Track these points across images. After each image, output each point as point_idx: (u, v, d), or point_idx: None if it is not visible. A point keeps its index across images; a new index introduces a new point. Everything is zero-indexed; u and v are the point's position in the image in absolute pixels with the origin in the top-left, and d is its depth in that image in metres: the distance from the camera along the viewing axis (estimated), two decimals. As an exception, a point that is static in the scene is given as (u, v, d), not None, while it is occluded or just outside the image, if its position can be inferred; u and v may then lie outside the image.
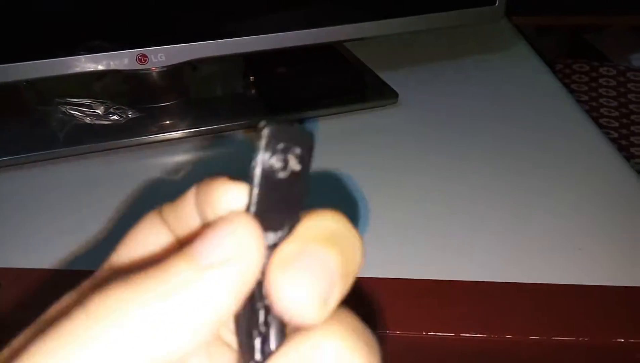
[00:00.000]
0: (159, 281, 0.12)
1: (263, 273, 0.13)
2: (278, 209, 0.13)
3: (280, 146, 0.13)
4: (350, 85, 0.52)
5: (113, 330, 0.11)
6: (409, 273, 0.33)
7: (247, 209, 0.13)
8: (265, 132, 0.13)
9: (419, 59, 0.61)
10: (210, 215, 0.14)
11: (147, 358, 0.11)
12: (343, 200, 0.40)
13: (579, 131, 0.49)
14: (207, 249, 0.12)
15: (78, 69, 0.42)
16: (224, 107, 0.50)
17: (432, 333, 0.29)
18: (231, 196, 0.13)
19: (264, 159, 0.13)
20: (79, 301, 0.12)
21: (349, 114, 0.50)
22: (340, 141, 0.47)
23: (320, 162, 0.46)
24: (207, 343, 0.14)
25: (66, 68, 0.42)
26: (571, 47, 1.17)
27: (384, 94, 0.52)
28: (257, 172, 0.13)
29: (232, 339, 0.15)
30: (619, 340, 0.29)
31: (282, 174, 0.13)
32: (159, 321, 0.11)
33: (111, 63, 0.43)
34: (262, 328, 0.13)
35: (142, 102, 0.48)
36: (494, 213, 0.38)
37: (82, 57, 0.42)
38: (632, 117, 0.94)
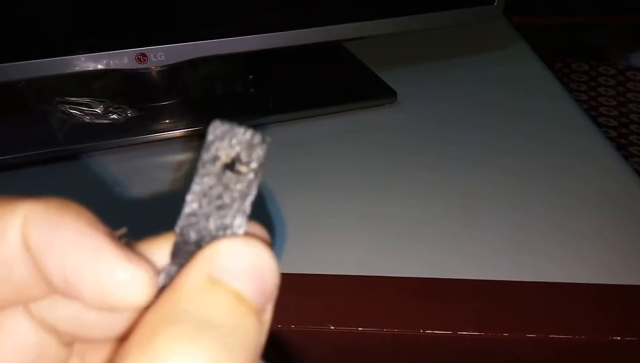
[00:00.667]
0: None
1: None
2: (213, 211, 0.12)
3: (224, 145, 0.13)
4: (349, 84, 0.52)
5: None
6: (406, 271, 0.33)
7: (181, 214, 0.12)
8: (211, 129, 0.13)
9: (417, 58, 0.62)
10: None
11: None
12: (342, 199, 0.40)
13: (577, 130, 0.49)
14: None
15: (77, 68, 0.42)
16: (224, 107, 0.50)
17: (429, 331, 0.29)
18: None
19: (204, 155, 0.12)
20: None
21: (347, 113, 0.51)
22: (339, 140, 0.47)
23: (319, 160, 0.46)
24: None
25: (66, 67, 0.42)
26: (570, 47, 1.17)
27: (382, 93, 0.52)
28: (198, 166, 0.12)
29: None
30: (615, 338, 0.29)
31: (224, 176, 0.12)
32: None
33: (111, 62, 0.43)
34: None
35: (142, 102, 0.48)
36: (491, 211, 0.39)
37: (82, 57, 0.42)
38: (631, 116, 0.94)
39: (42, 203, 0.12)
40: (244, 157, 0.13)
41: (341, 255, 0.35)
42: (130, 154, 0.44)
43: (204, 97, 0.52)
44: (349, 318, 0.30)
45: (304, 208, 0.39)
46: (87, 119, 0.45)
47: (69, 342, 0.14)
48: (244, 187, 0.12)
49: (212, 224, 0.12)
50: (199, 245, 0.12)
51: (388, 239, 0.36)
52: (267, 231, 0.14)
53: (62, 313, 0.13)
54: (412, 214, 0.38)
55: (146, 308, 0.11)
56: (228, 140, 0.13)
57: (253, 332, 0.11)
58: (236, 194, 0.12)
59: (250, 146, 0.13)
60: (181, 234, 0.13)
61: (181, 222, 0.13)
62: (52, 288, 0.12)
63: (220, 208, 0.12)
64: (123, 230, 0.13)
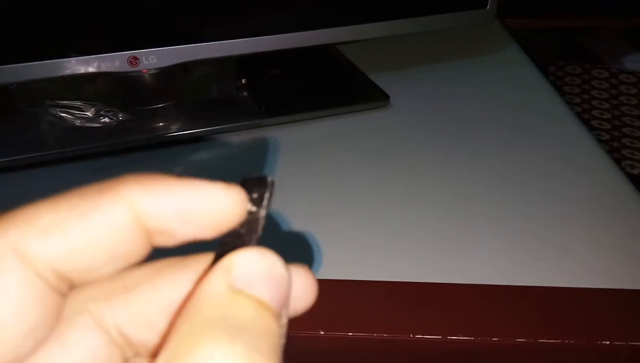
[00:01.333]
0: None
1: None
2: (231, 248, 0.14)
3: (255, 196, 0.14)
4: (341, 87, 0.52)
5: None
6: (396, 276, 0.33)
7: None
8: (269, 186, 0.14)
9: (410, 61, 0.62)
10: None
11: None
12: (333, 202, 0.40)
13: (569, 134, 0.49)
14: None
15: (69, 72, 0.42)
16: (216, 110, 0.50)
17: (419, 336, 0.29)
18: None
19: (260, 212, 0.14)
20: None
21: (340, 116, 0.51)
22: (332, 143, 0.47)
23: (311, 163, 0.46)
24: None
25: (57, 70, 0.42)
26: (564, 50, 1.18)
27: (375, 97, 0.53)
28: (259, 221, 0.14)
29: None
30: (604, 342, 0.29)
31: (253, 223, 0.14)
32: None
33: (102, 65, 0.43)
34: None
35: (134, 105, 0.48)
36: (482, 215, 0.39)
37: (73, 60, 0.42)
38: (624, 119, 0.95)
39: (132, 181, 0.14)
40: (258, 200, 0.14)
41: (331, 259, 0.35)
42: (121, 158, 0.44)
43: (196, 101, 0.52)
44: (339, 323, 0.30)
45: (295, 211, 0.39)
46: (77, 122, 0.45)
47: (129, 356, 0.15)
48: (255, 223, 0.14)
49: None
50: None
51: (378, 243, 0.36)
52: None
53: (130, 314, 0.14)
54: (402, 218, 0.38)
55: (173, 323, 0.13)
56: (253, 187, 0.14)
57: (276, 333, 0.12)
58: (251, 229, 0.14)
59: (262, 190, 0.14)
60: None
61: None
62: (173, 236, 0.14)
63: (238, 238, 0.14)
64: None
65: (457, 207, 0.39)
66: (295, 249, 0.36)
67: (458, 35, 0.66)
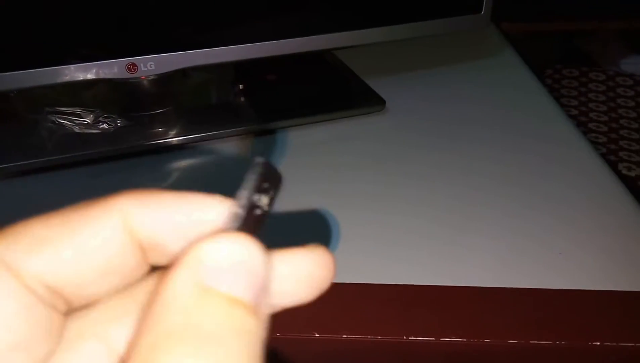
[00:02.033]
0: None
1: None
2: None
3: (265, 185, 0.13)
4: (337, 92, 0.53)
5: None
6: (389, 278, 0.33)
7: None
8: (258, 169, 0.13)
9: (406, 66, 0.62)
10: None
11: None
12: (329, 206, 0.40)
13: (564, 138, 0.49)
14: None
15: (67, 78, 0.43)
16: (214, 115, 0.50)
17: (412, 338, 0.29)
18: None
19: (250, 196, 0.13)
20: None
21: (336, 121, 0.51)
22: (327, 148, 0.48)
23: (308, 168, 0.47)
24: None
25: (55, 77, 0.42)
26: (561, 53, 1.18)
27: (371, 101, 0.53)
28: (241, 205, 0.13)
29: None
30: (595, 343, 0.29)
31: (256, 211, 0.13)
32: None
33: (100, 72, 0.44)
34: None
35: (132, 111, 0.49)
36: (477, 218, 0.39)
37: (72, 67, 0.42)
38: (621, 121, 0.95)
39: (125, 195, 0.13)
40: (272, 193, 0.13)
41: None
42: (120, 164, 0.45)
43: (194, 106, 0.52)
44: (333, 325, 0.30)
45: (290, 215, 0.39)
46: (76, 129, 0.46)
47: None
48: (263, 218, 0.13)
49: None
50: None
51: (373, 246, 0.36)
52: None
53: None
54: (397, 222, 0.39)
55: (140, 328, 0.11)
56: (268, 177, 0.14)
57: (252, 329, 0.11)
58: (252, 219, 0.13)
59: (276, 181, 0.14)
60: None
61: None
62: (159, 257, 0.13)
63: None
64: None
65: (451, 210, 0.40)
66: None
67: (454, 40, 0.67)
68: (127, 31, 0.44)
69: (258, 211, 0.13)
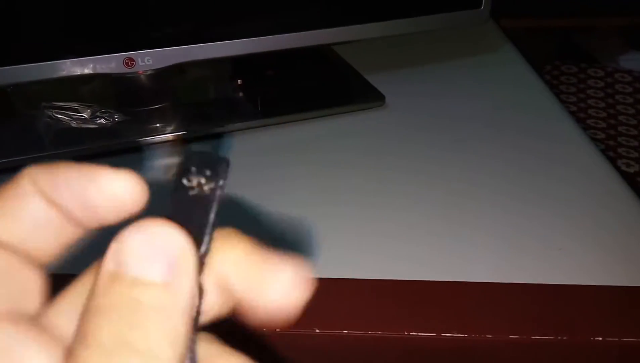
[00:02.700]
0: None
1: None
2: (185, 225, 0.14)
3: (193, 168, 0.14)
4: (337, 87, 0.52)
5: None
6: (391, 274, 0.33)
7: None
8: (182, 155, 0.15)
9: (405, 62, 0.62)
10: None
11: None
12: (329, 202, 0.40)
13: (563, 134, 0.49)
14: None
15: (64, 73, 0.42)
16: (212, 110, 0.50)
17: (413, 333, 0.29)
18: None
19: (176, 179, 0.14)
20: None
21: (335, 117, 0.51)
22: (326, 143, 0.47)
23: (307, 164, 0.46)
24: None
25: (52, 72, 0.42)
26: (560, 49, 1.18)
27: (370, 97, 0.53)
28: (171, 189, 0.14)
29: None
30: (597, 338, 0.29)
31: (192, 192, 0.14)
32: None
33: (98, 67, 0.43)
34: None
35: (130, 106, 0.48)
36: (477, 214, 0.39)
37: (69, 61, 0.42)
38: (620, 118, 0.95)
39: (32, 169, 0.15)
40: (209, 177, 0.14)
41: (326, 258, 0.35)
42: (117, 159, 0.44)
43: (192, 102, 0.52)
44: (334, 321, 0.30)
45: (291, 211, 0.39)
46: (73, 124, 0.45)
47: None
48: (207, 204, 0.14)
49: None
50: None
51: (374, 242, 0.36)
52: None
53: None
54: (397, 217, 0.38)
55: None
56: (195, 161, 0.14)
57: (172, 307, 0.12)
58: (201, 211, 0.14)
59: (214, 165, 0.14)
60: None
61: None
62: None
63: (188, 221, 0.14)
64: None
65: (451, 206, 0.40)
66: (291, 249, 0.36)
67: (453, 36, 0.67)
68: (124, 26, 0.43)
69: (193, 192, 0.14)
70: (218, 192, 0.14)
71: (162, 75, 0.48)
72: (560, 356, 0.30)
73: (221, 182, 0.14)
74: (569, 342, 0.29)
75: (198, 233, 0.14)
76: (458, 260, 0.35)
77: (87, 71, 0.43)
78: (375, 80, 0.55)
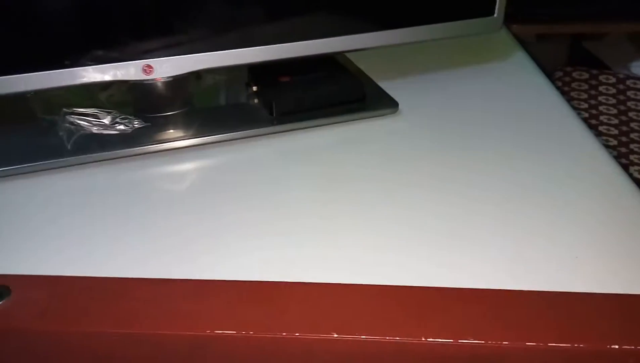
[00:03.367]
0: None
1: None
2: None
3: None
4: (351, 94, 0.53)
5: None
6: (408, 280, 0.34)
7: None
8: None
9: (418, 68, 0.62)
10: None
11: None
12: (344, 208, 0.40)
13: (576, 140, 0.50)
14: None
15: (85, 80, 0.43)
16: (228, 117, 0.51)
17: (430, 340, 0.29)
18: None
19: None
20: None
21: (349, 123, 0.51)
22: (341, 150, 0.48)
23: (320, 170, 0.47)
24: None
25: (73, 79, 0.43)
26: (571, 55, 1.18)
27: (384, 104, 0.53)
28: None
29: None
30: (613, 346, 0.29)
31: None
32: None
33: (117, 73, 0.44)
34: None
35: (147, 112, 0.49)
36: (492, 220, 0.39)
37: (89, 68, 0.43)
38: (632, 124, 0.95)
39: None
40: None
41: (344, 264, 0.35)
42: (137, 164, 0.45)
43: (208, 108, 0.53)
44: (352, 326, 0.30)
45: (306, 217, 0.40)
46: (94, 130, 0.46)
47: None
48: None
49: None
50: None
51: (389, 247, 0.37)
52: None
53: None
54: (413, 224, 0.39)
55: None
56: None
57: None
58: None
59: None
60: None
61: None
62: None
63: None
64: None
65: (466, 212, 0.40)
66: (306, 254, 0.36)
67: (465, 42, 0.67)
68: (144, 34, 0.44)
69: None
70: None
71: (179, 82, 0.49)
72: (576, 363, 0.30)
73: None
74: (585, 350, 0.29)
75: None
76: (475, 266, 0.35)
77: (107, 77, 0.44)
78: (389, 87, 0.55)
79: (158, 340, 0.31)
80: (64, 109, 0.47)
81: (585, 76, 1.04)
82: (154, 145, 0.46)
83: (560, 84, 1.03)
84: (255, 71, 0.53)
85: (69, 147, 0.45)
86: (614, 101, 0.99)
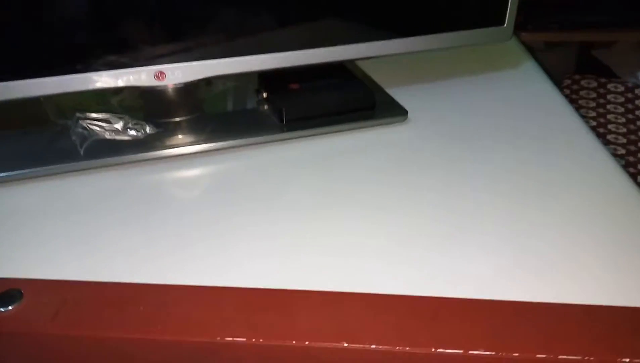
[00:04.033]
0: None
1: None
2: None
3: None
4: (360, 102, 0.53)
5: None
6: (418, 289, 0.34)
7: None
8: None
9: (428, 76, 0.63)
10: None
11: None
12: (353, 216, 0.41)
13: (584, 148, 0.49)
14: None
15: (98, 85, 0.44)
16: (238, 123, 0.51)
17: (440, 350, 0.29)
18: None
19: None
20: None
21: (358, 131, 0.52)
22: (350, 157, 0.48)
23: (329, 177, 0.47)
24: None
25: (85, 84, 0.44)
26: (579, 63, 1.18)
27: (393, 112, 0.53)
28: None
29: None
30: (624, 359, 0.29)
31: None
32: None
33: (130, 79, 0.45)
34: None
35: (158, 117, 0.50)
36: (500, 230, 0.39)
37: (102, 73, 0.44)
38: (640, 133, 0.95)
39: None
40: None
41: (354, 273, 0.35)
42: (148, 169, 0.46)
43: (218, 114, 0.53)
44: (362, 335, 0.30)
45: (315, 224, 0.40)
46: (107, 135, 0.47)
47: None
48: None
49: None
50: None
51: (399, 257, 0.37)
52: None
53: None
54: (422, 233, 0.39)
55: None
56: None
57: None
58: None
59: None
60: None
61: None
62: None
63: None
64: None
65: (473, 222, 0.40)
66: (317, 262, 0.36)
67: (474, 50, 0.67)
68: (156, 40, 0.45)
69: None
70: None
71: (190, 88, 0.49)
72: (587, 376, 0.30)
73: None
74: (595, 362, 0.29)
75: None
76: (483, 277, 0.35)
77: (119, 83, 0.44)
78: (398, 95, 0.56)
79: (169, 346, 0.31)
80: (77, 114, 0.47)
81: (594, 84, 1.04)
82: (165, 150, 0.46)
83: (568, 92, 1.03)
84: (265, 77, 0.54)
85: (81, 152, 0.45)
86: (622, 109, 0.99)
